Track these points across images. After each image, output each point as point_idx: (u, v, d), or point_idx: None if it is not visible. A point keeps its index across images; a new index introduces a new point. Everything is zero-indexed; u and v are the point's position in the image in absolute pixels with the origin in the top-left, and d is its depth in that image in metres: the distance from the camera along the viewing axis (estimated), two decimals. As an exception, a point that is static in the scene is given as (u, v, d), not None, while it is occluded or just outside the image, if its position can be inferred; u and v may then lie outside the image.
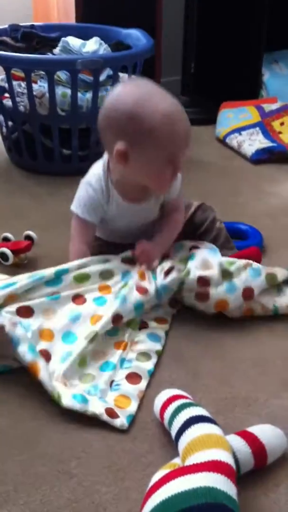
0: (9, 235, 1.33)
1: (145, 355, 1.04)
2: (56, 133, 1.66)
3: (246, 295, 1.12)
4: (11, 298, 1.03)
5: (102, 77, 1.64)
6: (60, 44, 1.67)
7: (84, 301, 1.08)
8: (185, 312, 1.15)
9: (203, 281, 1.11)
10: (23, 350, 0.94)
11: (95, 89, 1.60)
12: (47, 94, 1.59)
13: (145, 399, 0.93)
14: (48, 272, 1.09)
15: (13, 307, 1.01)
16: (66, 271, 1.10)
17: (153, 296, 1.10)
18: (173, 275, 1.12)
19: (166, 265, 1.15)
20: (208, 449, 0.72)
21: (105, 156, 1.16)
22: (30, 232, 1.31)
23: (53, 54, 1.70)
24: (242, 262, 1.16)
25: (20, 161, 1.79)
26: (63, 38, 1.68)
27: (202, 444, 0.73)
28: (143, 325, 1.10)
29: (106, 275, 1.13)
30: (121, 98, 1.07)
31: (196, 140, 2.07)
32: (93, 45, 1.67)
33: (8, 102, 1.68)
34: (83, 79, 1.63)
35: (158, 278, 1.12)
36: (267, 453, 0.81)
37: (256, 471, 0.81)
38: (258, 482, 0.80)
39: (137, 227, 1.21)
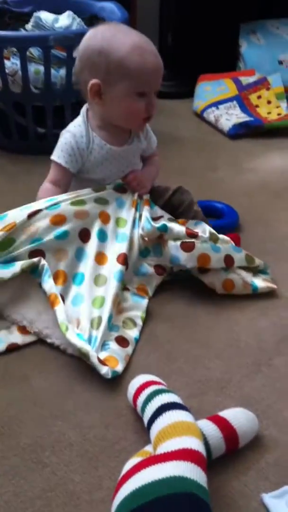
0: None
1: (131, 321, 1.07)
2: (29, 111, 1.63)
3: (227, 261, 1.14)
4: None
5: (76, 53, 1.60)
6: (32, 19, 1.63)
7: (89, 237, 1.12)
8: (161, 294, 1.15)
9: (191, 234, 1.14)
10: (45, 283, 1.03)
11: (69, 65, 1.57)
12: (20, 72, 1.56)
13: (119, 384, 0.94)
14: (40, 205, 1.10)
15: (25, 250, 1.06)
16: (57, 205, 1.11)
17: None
18: (162, 221, 1.16)
19: (155, 213, 1.20)
20: (178, 436, 0.73)
21: (84, 106, 1.19)
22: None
23: (26, 29, 1.66)
24: (226, 237, 1.18)
25: (-5, 139, 1.76)
26: (35, 14, 1.64)
27: (173, 432, 0.74)
28: (126, 288, 1.12)
29: (101, 201, 1.16)
30: (91, 37, 1.12)
31: (173, 114, 2.07)
32: (65, 20, 1.63)
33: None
34: (56, 55, 1.60)
35: (148, 223, 1.15)
36: (238, 437, 0.82)
37: (228, 455, 0.83)
38: (229, 466, 0.82)
39: (120, 176, 1.21)
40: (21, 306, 1.07)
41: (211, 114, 1.95)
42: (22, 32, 1.64)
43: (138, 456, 0.75)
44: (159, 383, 0.87)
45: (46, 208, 1.10)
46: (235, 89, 2.01)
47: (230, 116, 1.90)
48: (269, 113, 1.92)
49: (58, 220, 1.10)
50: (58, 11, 1.82)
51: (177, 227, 1.15)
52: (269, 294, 1.17)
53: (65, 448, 0.83)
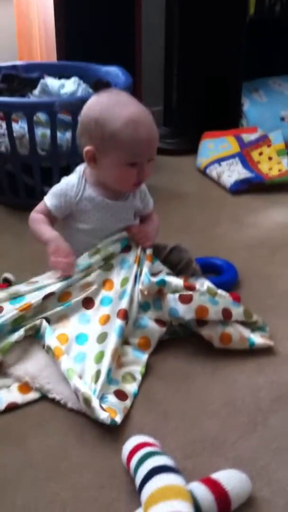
0: (9, 275, 1.35)
1: (131, 375, 1.10)
2: (37, 172, 1.69)
3: (225, 314, 1.17)
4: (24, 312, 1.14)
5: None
6: (39, 86, 1.71)
7: (93, 305, 1.18)
8: (159, 351, 1.17)
9: (188, 287, 1.18)
10: (48, 339, 1.10)
11: (74, 129, 1.63)
12: (27, 135, 1.63)
13: (114, 444, 0.95)
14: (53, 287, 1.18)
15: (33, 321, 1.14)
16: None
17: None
18: (161, 275, 1.21)
19: (156, 268, 1.25)
20: (168, 500, 0.74)
21: (83, 164, 1.26)
22: (8, 275, 1.34)
23: (33, 94, 1.74)
24: (225, 292, 1.22)
25: (3, 198, 1.82)
26: (42, 80, 1.72)
27: (163, 496, 0.75)
28: (127, 342, 1.16)
29: (106, 267, 1.22)
30: (91, 106, 1.20)
31: (177, 170, 2.13)
32: (71, 86, 1.71)
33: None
34: (62, 119, 1.67)
35: (146, 278, 1.20)
36: (230, 499, 0.82)
37: (220, 517, 0.83)
38: (221, 528, 0.82)
39: (113, 233, 1.25)
40: (24, 364, 1.10)
41: (213, 171, 2.00)
42: (29, 99, 1.72)
43: (128, 520, 0.76)
44: (152, 445, 0.88)
45: (58, 291, 1.18)
46: (237, 146, 2.07)
47: (232, 173, 1.95)
48: (270, 169, 1.97)
49: (65, 298, 1.19)
50: (65, 75, 1.91)
51: (175, 281, 1.19)
52: (266, 351, 1.18)
53: (59, 509, 0.84)
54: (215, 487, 0.82)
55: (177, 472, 0.81)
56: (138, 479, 0.81)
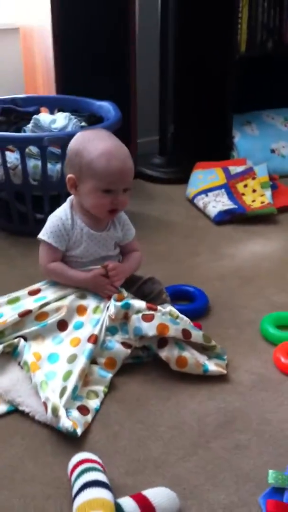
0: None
1: (94, 393, 1.21)
2: (29, 200, 1.82)
3: (185, 334, 1.27)
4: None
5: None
6: (32, 120, 1.84)
7: (67, 328, 1.30)
8: (120, 375, 1.27)
9: (151, 307, 1.29)
10: (26, 355, 1.23)
11: (63, 160, 1.76)
12: (20, 166, 1.75)
13: (65, 459, 1.04)
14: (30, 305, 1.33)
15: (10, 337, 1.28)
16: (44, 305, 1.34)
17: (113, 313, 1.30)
18: (125, 300, 1.33)
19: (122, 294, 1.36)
20: (93, 511, 0.84)
21: (71, 196, 1.41)
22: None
23: (27, 128, 1.86)
24: (185, 317, 1.32)
25: (-1, 223, 1.95)
26: (34, 116, 1.85)
27: (89, 507, 0.86)
28: (93, 362, 1.27)
29: (81, 296, 1.36)
30: (74, 140, 1.37)
31: (168, 199, 2.24)
32: (62, 121, 1.84)
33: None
34: (53, 152, 1.79)
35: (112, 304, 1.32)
36: (157, 514, 0.92)
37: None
38: (148, 540, 0.92)
39: (97, 259, 1.39)
40: (0, 378, 1.22)
41: (200, 201, 2.10)
42: (20, 134, 1.85)
43: (60, 528, 0.86)
44: (93, 461, 0.98)
45: (35, 309, 1.31)
46: (224, 178, 2.17)
47: (217, 203, 2.05)
48: (253, 201, 2.07)
49: (42, 317, 1.31)
50: (61, 109, 2.04)
51: (138, 303, 1.31)
52: (220, 379, 1.27)
53: (6, 517, 0.95)
54: (143, 502, 0.92)
55: (107, 487, 0.91)
56: (74, 491, 0.92)
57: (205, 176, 2.22)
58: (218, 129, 2.43)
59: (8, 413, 1.17)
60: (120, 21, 2.17)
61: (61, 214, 1.38)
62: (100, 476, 0.93)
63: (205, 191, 2.14)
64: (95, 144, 1.32)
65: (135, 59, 2.24)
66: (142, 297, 1.40)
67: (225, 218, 2.01)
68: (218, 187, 2.14)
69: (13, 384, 1.20)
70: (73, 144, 1.36)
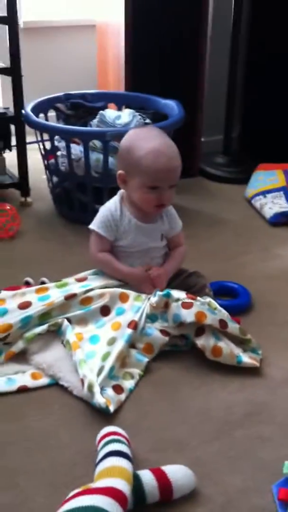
0: (30, 279, 1.59)
1: (130, 374, 1.28)
2: (90, 191, 1.91)
3: (222, 324, 1.33)
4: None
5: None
6: (97, 116, 1.93)
7: (109, 313, 1.38)
8: (157, 361, 1.34)
9: (191, 296, 1.36)
10: (68, 335, 1.32)
11: (124, 155, 1.84)
12: (83, 159, 1.85)
13: (96, 431, 1.12)
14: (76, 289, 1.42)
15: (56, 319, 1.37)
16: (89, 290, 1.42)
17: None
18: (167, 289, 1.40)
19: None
20: (110, 477, 0.92)
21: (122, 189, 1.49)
22: (44, 279, 1.56)
23: (93, 123, 1.96)
24: (224, 310, 1.39)
25: (62, 211, 2.06)
26: (100, 111, 1.94)
27: (108, 473, 0.93)
28: (132, 346, 1.34)
29: (123, 285, 1.45)
30: (126, 137, 1.45)
31: (227, 198, 2.29)
32: (126, 117, 1.92)
33: (53, 162, 1.97)
34: (115, 146, 1.87)
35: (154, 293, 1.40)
36: (173, 489, 0.98)
37: (164, 503, 0.99)
38: (162, 511, 0.98)
39: (144, 249, 1.46)
40: (44, 353, 1.33)
41: (258, 202, 2.13)
42: (85, 128, 1.94)
43: (81, 488, 0.94)
44: (119, 434, 1.06)
45: (80, 293, 1.40)
46: (284, 181, 2.19)
47: (274, 205, 2.07)
48: (311, 204, 2.08)
49: (87, 302, 1.40)
50: (128, 105, 2.13)
51: (179, 293, 1.37)
52: (253, 373, 1.32)
53: (36, 476, 1.04)
54: (161, 476, 0.99)
55: (128, 458, 0.98)
56: (98, 458, 1.00)
57: (265, 178, 2.24)
58: (284, 132, 2.44)
59: (49, 386, 1.27)
60: (192, 20, 2.22)
61: (110, 206, 1.47)
62: (123, 448, 1.00)
63: (264, 192, 2.16)
64: (144, 142, 1.39)
65: (204, 59, 2.29)
66: (185, 290, 1.46)
67: (281, 220, 2.03)
68: (277, 189, 2.16)
69: (55, 360, 1.29)
70: (124, 141, 1.44)
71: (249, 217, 2.13)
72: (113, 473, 0.93)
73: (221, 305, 1.42)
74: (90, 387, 1.19)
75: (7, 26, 1.89)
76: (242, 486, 1.04)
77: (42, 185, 2.18)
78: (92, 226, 1.47)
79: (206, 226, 2.05)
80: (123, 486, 0.90)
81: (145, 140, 1.40)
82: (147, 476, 0.98)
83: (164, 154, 1.37)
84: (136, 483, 0.97)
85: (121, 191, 1.50)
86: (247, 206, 2.21)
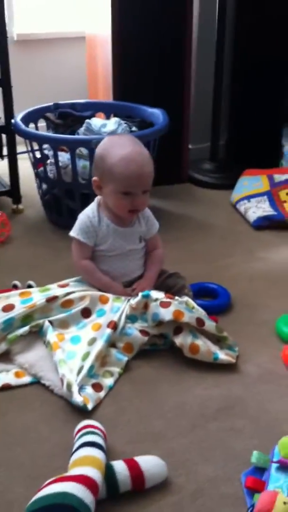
0: (17, 283, 1.64)
1: (109, 372, 1.34)
2: (78, 197, 1.97)
3: (199, 322, 1.38)
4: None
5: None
6: (84, 124, 1.99)
7: (90, 315, 1.43)
8: (136, 359, 1.39)
9: (169, 296, 1.42)
10: (49, 336, 1.36)
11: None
12: (70, 166, 1.91)
13: (75, 425, 1.17)
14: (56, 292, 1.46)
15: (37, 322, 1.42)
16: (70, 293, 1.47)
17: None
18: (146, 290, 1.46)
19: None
20: (82, 466, 0.97)
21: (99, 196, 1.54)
22: (31, 282, 1.61)
23: (80, 131, 2.02)
24: (201, 309, 1.44)
25: (51, 217, 2.12)
26: (86, 120, 2.00)
27: (80, 462, 0.98)
28: (113, 345, 1.39)
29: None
30: (100, 145, 1.50)
31: (213, 203, 2.34)
32: (112, 125, 1.98)
33: (42, 170, 2.03)
34: (101, 154, 1.93)
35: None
36: (144, 478, 1.03)
37: (137, 492, 1.03)
38: (134, 499, 1.03)
39: (124, 253, 1.51)
40: (26, 353, 1.38)
41: (242, 206, 2.19)
42: (71, 136, 2.00)
43: (56, 476, 0.99)
44: (95, 427, 1.11)
45: (61, 295, 1.45)
46: (268, 185, 2.24)
47: (258, 209, 2.12)
48: (294, 208, 2.13)
49: (67, 304, 1.45)
50: (116, 114, 2.19)
51: (157, 294, 1.42)
52: (229, 369, 1.37)
53: (18, 467, 1.09)
54: (133, 466, 1.03)
55: (101, 449, 1.03)
56: (73, 449, 1.05)
57: (250, 183, 2.29)
58: (269, 138, 2.50)
59: (32, 384, 1.32)
60: (177, 29, 2.27)
61: (88, 212, 1.52)
62: (96, 439, 1.05)
63: (248, 197, 2.21)
64: (116, 150, 1.44)
65: (190, 69, 2.35)
66: (165, 290, 1.51)
67: (264, 224, 2.08)
68: (261, 194, 2.21)
69: (37, 360, 1.34)
70: (98, 149, 1.49)
71: (234, 221, 2.18)
72: (85, 462, 0.98)
73: (200, 305, 1.48)
74: (69, 386, 1.24)
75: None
76: (213, 475, 1.08)
77: (33, 192, 2.24)
78: (72, 233, 1.52)
79: (192, 230, 2.11)
80: (94, 473, 0.95)
81: (117, 147, 1.45)
82: (119, 466, 1.03)
83: (135, 161, 1.43)
84: (109, 472, 1.01)
85: (98, 198, 1.55)
86: (233, 211, 2.26)
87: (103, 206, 1.52)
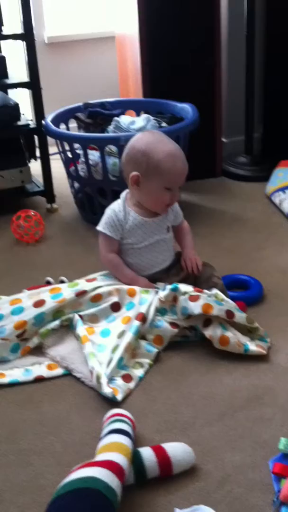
0: (50, 279, 1.68)
1: (140, 364, 1.36)
2: (109, 194, 2.00)
3: (228, 314, 1.39)
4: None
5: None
6: (112, 122, 2.02)
7: (120, 308, 1.46)
8: (167, 351, 1.41)
9: (197, 289, 1.43)
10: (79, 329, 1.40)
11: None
12: (100, 164, 1.94)
13: (103, 414, 1.19)
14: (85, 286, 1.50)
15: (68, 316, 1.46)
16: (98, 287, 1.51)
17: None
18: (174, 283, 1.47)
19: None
20: (109, 452, 0.99)
21: (125, 191, 1.57)
22: (63, 278, 1.65)
23: (109, 129, 2.05)
24: (231, 301, 1.44)
25: (85, 215, 2.16)
26: (115, 118, 2.02)
27: (107, 448, 1.00)
28: (143, 338, 1.41)
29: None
30: (138, 141, 1.51)
31: (249, 196, 2.34)
32: (141, 122, 1.99)
33: (73, 169, 2.06)
34: (131, 150, 1.96)
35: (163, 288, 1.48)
36: (172, 464, 1.05)
37: (165, 478, 1.05)
38: (162, 485, 1.05)
39: (151, 243, 1.54)
40: (58, 347, 1.42)
41: (277, 198, 2.17)
42: (100, 134, 2.03)
43: (83, 462, 1.01)
44: (123, 415, 1.13)
45: (90, 290, 1.48)
46: (302, 176, 2.21)
47: (292, 201, 2.10)
48: None
49: (96, 299, 1.48)
50: (147, 111, 2.21)
51: (186, 287, 1.43)
52: (259, 359, 1.37)
53: (51, 455, 1.12)
54: (160, 452, 1.05)
55: (128, 435, 1.05)
56: (102, 435, 1.07)
57: (285, 174, 2.27)
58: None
59: (64, 376, 1.35)
60: (204, 22, 2.27)
61: (114, 207, 1.55)
62: (124, 426, 1.07)
63: (283, 188, 2.19)
64: (160, 146, 1.48)
65: (220, 61, 2.34)
66: (194, 279, 1.54)
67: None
68: (296, 185, 2.19)
69: (68, 353, 1.38)
70: (137, 144, 1.50)
71: (269, 214, 2.16)
72: (111, 448, 1.00)
73: (232, 297, 1.48)
74: (98, 378, 1.26)
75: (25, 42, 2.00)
76: (240, 462, 1.09)
77: (66, 192, 2.28)
78: (99, 227, 1.55)
79: (226, 224, 2.10)
80: (121, 459, 0.97)
81: (159, 144, 1.48)
82: (147, 452, 1.05)
83: (180, 157, 1.48)
84: (137, 458, 1.04)
85: (124, 193, 1.57)
86: (268, 203, 2.25)
87: (130, 200, 1.55)
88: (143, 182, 1.49)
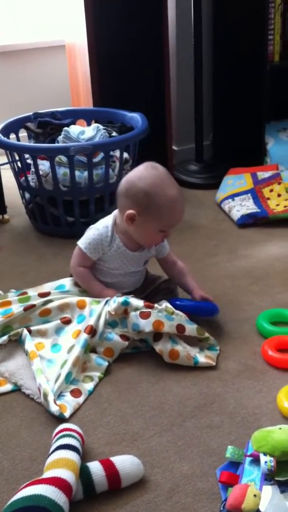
0: (0, 291, 1.66)
1: (89, 377, 1.36)
2: (60, 204, 1.99)
3: (179, 329, 1.40)
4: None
5: (97, 159, 1.96)
6: (62, 132, 2.01)
7: (71, 322, 1.46)
8: (117, 362, 1.41)
9: (148, 305, 1.42)
10: (27, 344, 1.39)
11: (89, 169, 1.92)
12: (51, 174, 1.93)
13: (53, 429, 1.18)
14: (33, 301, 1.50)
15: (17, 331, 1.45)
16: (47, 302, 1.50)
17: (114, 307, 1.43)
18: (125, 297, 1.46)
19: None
20: (57, 468, 0.99)
21: (115, 212, 1.52)
22: (13, 291, 1.63)
23: (59, 139, 2.04)
24: (181, 313, 1.44)
25: (36, 225, 2.14)
26: (64, 128, 2.02)
27: (55, 464, 1.00)
28: (93, 350, 1.41)
29: (83, 293, 1.55)
30: (141, 179, 1.43)
31: (199, 203, 2.36)
32: (90, 132, 2.00)
33: (24, 179, 2.05)
34: (81, 160, 1.96)
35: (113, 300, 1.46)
36: (120, 478, 1.05)
37: (113, 491, 1.05)
38: (111, 499, 1.04)
39: (126, 272, 1.54)
40: (7, 362, 1.40)
41: (226, 205, 2.20)
42: (49, 145, 2.03)
43: (30, 480, 1.00)
44: (72, 430, 1.12)
45: (39, 304, 1.48)
46: (251, 183, 2.25)
47: (242, 207, 2.14)
48: (277, 205, 2.14)
49: (45, 313, 1.48)
50: (98, 120, 2.21)
51: (137, 301, 1.43)
52: (209, 367, 1.38)
53: (0, 473, 1.11)
54: (108, 466, 1.05)
55: (76, 451, 1.04)
56: (50, 452, 1.06)
57: (234, 182, 2.31)
58: (253, 136, 2.51)
59: (13, 391, 1.34)
60: (153, 32, 2.28)
61: (102, 231, 1.51)
62: (72, 441, 1.07)
63: (232, 196, 2.23)
64: (164, 190, 1.42)
65: (169, 71, 2.36)
66: (156, 293, 1.57)
67: (248, 222, 2.09)
68: (245, 192, 2.22)
69: (18, 368, 1.37)
70: (140, 184, 1.42)
71: (219, 221, 2.19)
72: (59, 464, 1.00)
73: (183, 306, 1.49)
74: (45, 396, 1.26)
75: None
76: (189, 472, 1.10)
77: (18, 202, 2.26)
78: (80, 244, 1.52)
79: (177, 230, 2.08)
80: (68, 475, 0.97)
81: (165, 187, 1.42)
82: (95, 466, 1.05)
83: (181, 203, 1.45)
84: (85, 473, 1.03)
85: (114, 215, 1.52)
86: (218, 210, 2.27)
87: (118, 226, 1.51)
88: (139, 221, 1.44)
